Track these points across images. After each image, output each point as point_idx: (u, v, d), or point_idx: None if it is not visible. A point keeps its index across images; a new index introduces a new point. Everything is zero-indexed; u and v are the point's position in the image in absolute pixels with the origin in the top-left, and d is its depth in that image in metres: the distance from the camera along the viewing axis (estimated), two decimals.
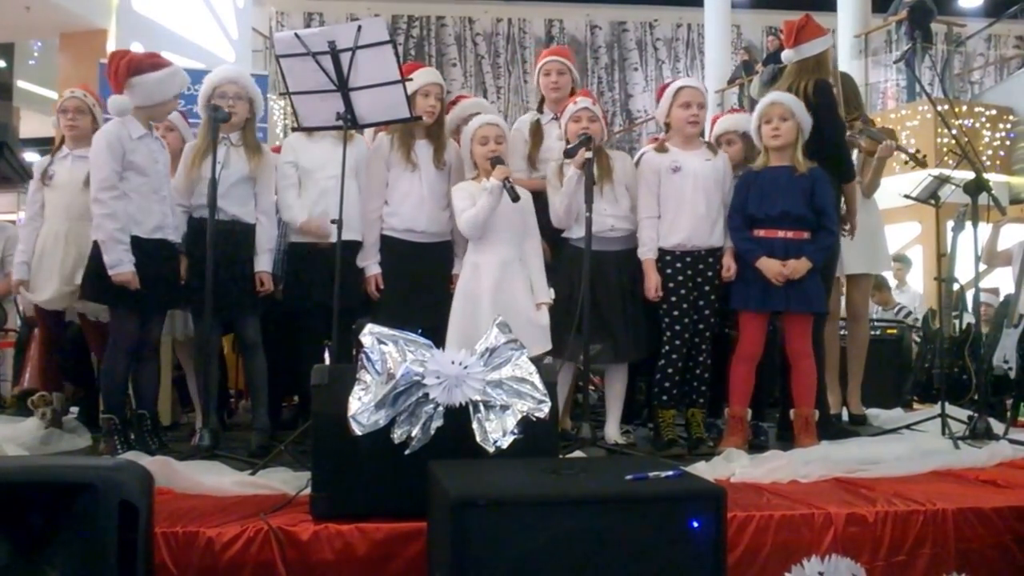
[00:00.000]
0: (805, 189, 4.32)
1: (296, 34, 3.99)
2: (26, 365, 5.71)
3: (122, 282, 4.05)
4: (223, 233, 4.27)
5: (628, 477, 2.46)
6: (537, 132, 4.86)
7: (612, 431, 4.53)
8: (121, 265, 4.04)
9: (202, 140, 4.35)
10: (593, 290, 4.28)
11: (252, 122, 4.54)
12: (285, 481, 3.42)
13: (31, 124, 14.74)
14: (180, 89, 4.39)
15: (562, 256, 4.57)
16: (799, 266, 4.26)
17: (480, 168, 4.39)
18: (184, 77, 4.43)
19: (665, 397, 4.49)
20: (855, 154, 5.27)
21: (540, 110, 5.01)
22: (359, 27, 3.89)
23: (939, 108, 5.89)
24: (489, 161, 4.29)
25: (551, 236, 4.60)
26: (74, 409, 5.22)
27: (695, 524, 2.33)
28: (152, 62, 4.27)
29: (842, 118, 4.81)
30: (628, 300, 4.51)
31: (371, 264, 4.53)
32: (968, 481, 3.61)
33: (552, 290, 4.43)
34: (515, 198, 4.18)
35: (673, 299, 4.45)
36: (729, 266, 4.44)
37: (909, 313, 8.31)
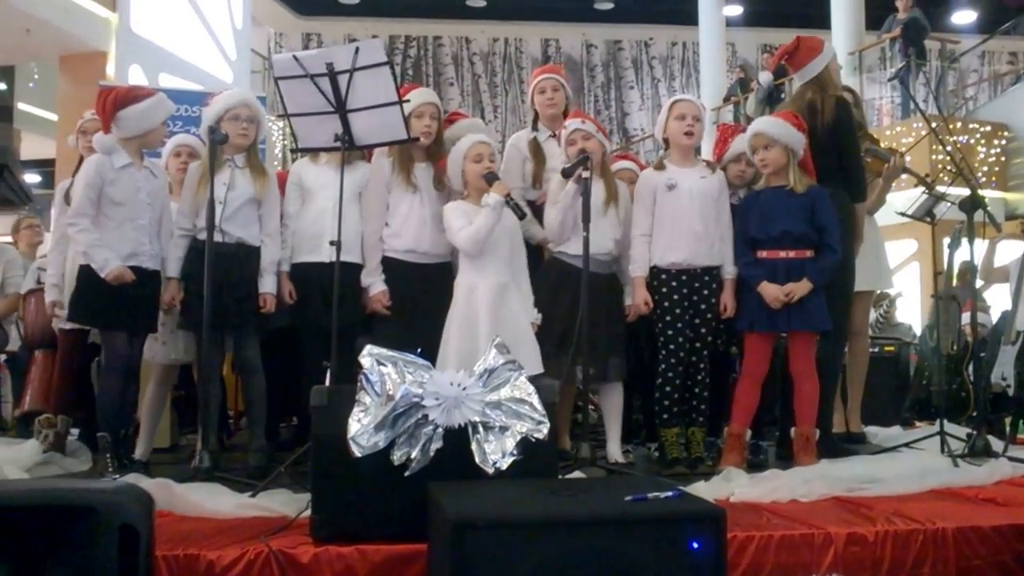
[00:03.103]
0: (805, 208, 4.33)
1: (294, 56, 4.02)
2: (27, 387, 5.71)
3: (117, 276, 4.15)
4: (228, 256, 4.29)
5: (627, 498, 2.46)
6: (538, 151, 4.86)
7: (614, 450, 4.51)
8: (108, 263, 4.15)
9: (208, 161, 4.36)
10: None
11: (256, 145, 4.58)
12: (285, 503, 3.42)
13: (31, 146, 14.81)
14: (166, 116, 4.49)
15: (548, 274, 4.56)
16: (798, 288, 4.26)
17: (472, 187, 4.34)
18: (169, 104, 4.51)
19: (666, 415, 4.49)
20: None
21: (535, 127, 5.02)
22: (357, 49, 3.91)
23: (933, 125, 5.90)
24: (484, 178, 4.26)
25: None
26: (74, 430, 5.21)
27: (695, 545, 2.33)
28: (135, 94, 4.39)
29: (857, 137, 4.82)
30: (613, 321, 4.49)
31: (376, 282, 4.49)
32: (968, 499, 3.62)
33: (537, 311, 4.43)
34: (521, 215, 4.18)
35: (668, 318, 4.45)
36: (727, 305, 4.47)
37: (908, 328, 8.32)
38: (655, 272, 4.49)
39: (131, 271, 4.20)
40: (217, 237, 4.25)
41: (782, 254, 4.34)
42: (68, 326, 4.84)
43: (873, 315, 8.39)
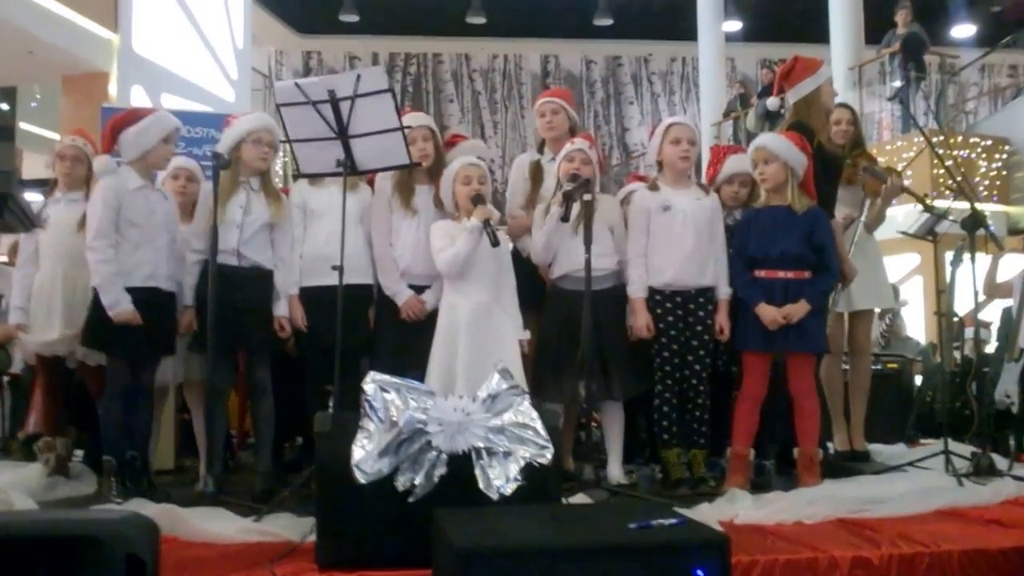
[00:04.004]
0: (804, 228, 4.33)
1: (296, 83, 4.04)
2: (31, 410, 5.71)
3: (124, 320, 4.15)
4: (245, 279, 4.32)
5: (632, 525, 2.46)
6: (537, 173, 4.88)
7: (615, 472, 4.51)
8: (119, 304, 4.15)
9: (226, 184, 4.34)
10: (572, 329, 4.33)
11: (270, 170, 4.60)
12: (289, 527, 3.43)
13: (33, 165, 14.83)
14: (165, 132, 4.42)
15: (548, 300, 4.57)
16: (796, 310, 4.26)
17: (462, 208, 4.37)
18: (168, 122, 4.46)
19: (666, 436, 4.49)
20: (859, 191, 5.31)
21: (541, 151, 5.05)
22: (358, 76, 3.94)
23: (934, 143, 5.92)
24: (471, 200, 4.29)
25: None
26: (79, 452, 5.21)
27: (699, 573, 2.33)
28: (132, 116, 4.42)
29: (823, 155, 4.80)
30: (608, 339, 4.49)
31: (402, 290, 4.49)
32: (973, 521, 3.61)
33: (526, 330, 4.43)
34: (495, 243, 4.18)
35: (663, 339, 4.46)
36: (722, 327, 4.48)
37: (917, 344, 8.30)
38: (650, 293, 4.50)
39: (139, 312, 4.20)
40: (234, 261, 4.31)
41: (780, 274, 4.34)
42: (35, 350, 4.86)
43: (880, 327, 8.40)
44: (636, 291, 4.51)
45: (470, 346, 4.15)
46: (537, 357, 4.52)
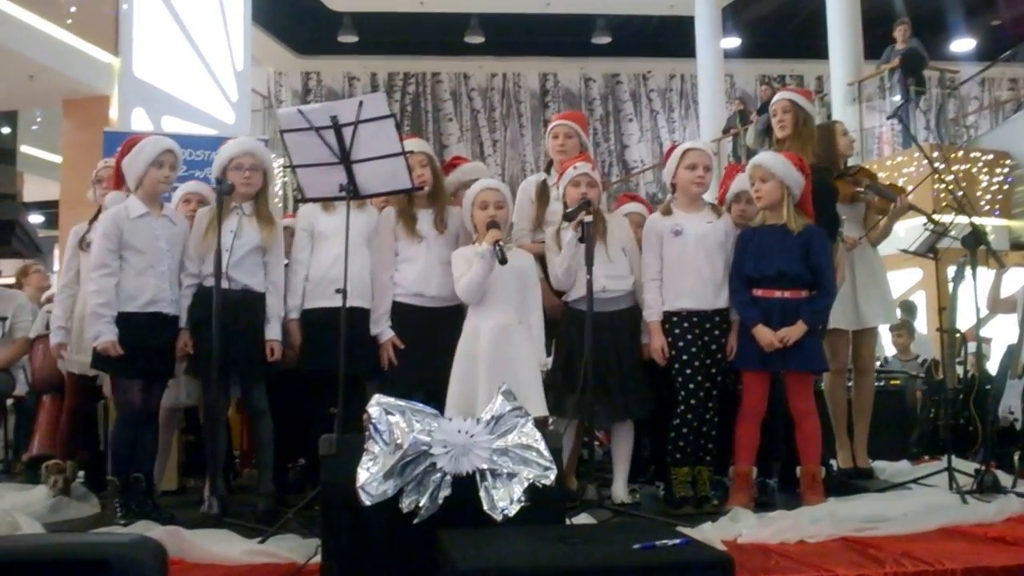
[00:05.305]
0: (801, 247, 4.34)
1: (299, 110, 4.07)
2: (35, 432, 5.73)
3: (104, 351, 4.25)
4: (234, 302, 4.33)
5: (636, 546, 2.47)
6: (544, 194, 4.90)
7: (620, 490, 4.53)
8: (102, 336, 4.25)
9: (216, 212, 4.38)
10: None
11: (265, 193, 4.60)
12: (293, 549, 3.43)
13: (34, 188, 14.90)
14: (153, 156, 4.42)
15: (563, 321, 4.59)
16: (793, 332, 4.28)
17: (480, 232, 4.39)
18: (156, 144, 4.47)
19: (679, 455, 4.49)
20: (860, 208, 5.33)
21: (548, 171, 5.06)
22: (360, 103, 3.97)
23: (934, 160, 5.93)
24: (486, 226, 4.31)
25: None
26: (80, 473, 5.22)
27: None
28: (127, 147, 4.50)
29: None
30: (624, 359, 4.52)
31: (385, 330, 4.52)
32: (977, 538, 3.61)
33: (548, 358, 4.43)
34: (502, 261, 4.19)
35: (685, 358, 4.47)
36: (732, 348, 4.49)
37: (925, 361, 8.30)
38: (667, 316, 4.52)
39: (142, 336, 4.29)
40: (223, 284, 4.30)
41: (777, 294, 4.36)
42: (77, 370, 4.87)
43: (891, 346, 8.41)
44: (651, 315, 4.53)
45: (491, 370, 4.15)
46: (560, 375, 4.54)
